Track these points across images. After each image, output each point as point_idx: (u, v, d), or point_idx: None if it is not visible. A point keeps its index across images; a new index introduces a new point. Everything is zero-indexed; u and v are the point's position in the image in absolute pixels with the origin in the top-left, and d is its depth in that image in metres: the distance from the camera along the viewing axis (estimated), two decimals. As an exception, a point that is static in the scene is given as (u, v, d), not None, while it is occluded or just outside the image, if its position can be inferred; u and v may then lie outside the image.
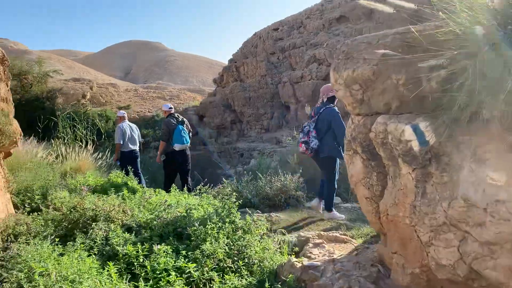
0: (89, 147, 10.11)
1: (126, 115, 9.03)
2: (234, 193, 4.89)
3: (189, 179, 8.27)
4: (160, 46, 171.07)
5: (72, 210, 4.31)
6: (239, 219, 4.19)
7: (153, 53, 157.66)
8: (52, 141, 11.40)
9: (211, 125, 47.76)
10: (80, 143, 11.64)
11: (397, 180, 2.90)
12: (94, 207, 4.22)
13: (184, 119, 8.37)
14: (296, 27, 48.21)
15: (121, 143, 8.24)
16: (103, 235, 3.75)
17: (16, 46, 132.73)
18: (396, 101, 2.88)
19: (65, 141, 11.42)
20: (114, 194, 5.13)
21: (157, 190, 6.39)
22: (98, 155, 10.82)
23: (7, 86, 5.93)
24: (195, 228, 3.71)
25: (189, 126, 8.41)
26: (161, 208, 4.45)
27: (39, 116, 13.81)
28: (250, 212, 5.67)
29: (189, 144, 8.15)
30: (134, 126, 9.32)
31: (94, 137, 12.83)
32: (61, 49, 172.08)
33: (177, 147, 7.89)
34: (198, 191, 6.50)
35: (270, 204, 7.29)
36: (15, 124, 5.34)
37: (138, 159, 9.19)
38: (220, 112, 47.21)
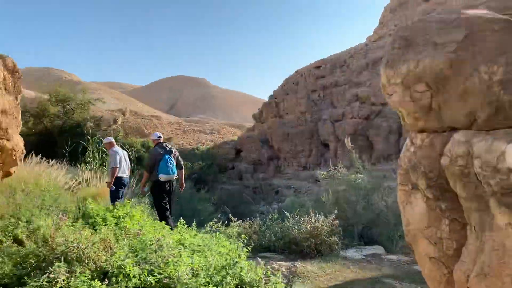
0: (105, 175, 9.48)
1: (114, 140, 8.12)
2: (252, 235, 3.83)
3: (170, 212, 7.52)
4: (205, 82, 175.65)
5: (43, 243, 3.44)
6: (249, 272, 3.13)
7: (198, 88, 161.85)
8: (78, 165, 10.89)
9: (248, 159, 47.11)
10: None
11: (487, 235, 1.81)
12: (65, 241, 3.31)
13: (173, 149, 7.67)
14: (338, 65, 47.57)
15: (117, 166, 7.37)
16: (65, 281, 2.83)
17: (69, 77, 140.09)
18: (486, 109, 1.83)
19: (92, 166, 10.89)
20: (114, 225, 4.26)
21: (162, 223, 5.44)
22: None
23: (17, 100, 5.23)
24: (185, 284, 2.72)
25: (178, 156, 7.69)
26: (150, 248, 3.49)
27: (77, 141, 13.68)
28: (268, 258, 4.56)
29: (175, 175, 7.46)
30: (125, 153, 8.50)
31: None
32: (111, 81, 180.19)
33: (162, 177, 7.13)
34: (209, 228, 5.53)
35: (297, 249, 6.04)
36: (16, 141, 4.57)
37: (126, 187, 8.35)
38: (257, 147, 46.60)
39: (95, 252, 3.24)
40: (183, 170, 7.84)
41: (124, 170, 7.82)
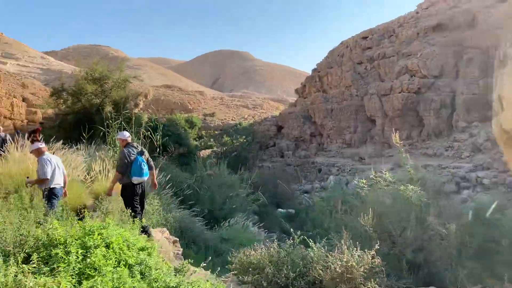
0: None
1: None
2: (266, 266, 2.73)
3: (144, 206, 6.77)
4: (248, 56, 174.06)
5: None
6: None
7: (241, 62, 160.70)
8: (96, 153, 10.14)
9: (290, 136, 45.77)
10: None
11: None
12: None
13: (144, 150, 7.02)
14: (387, 35, 44.63)
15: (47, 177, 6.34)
16: None
17: (116, 53, 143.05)
18: None
19: (111, 154, 10.12)
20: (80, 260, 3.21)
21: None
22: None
23: None
24: None
25: (148, 157, 7.11)
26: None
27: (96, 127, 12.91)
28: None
29: (147, 177, 6.85)
30: (58, 159, 7.37)
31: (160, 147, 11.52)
32: (156, 57, 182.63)
33: (135, 180, 6.52)
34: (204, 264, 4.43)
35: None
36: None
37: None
38: (299, 124, 45.08)
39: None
40: (154, 169, 7.36)
41: (58, 179, 6.73)
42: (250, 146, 44.56)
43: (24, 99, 35.08)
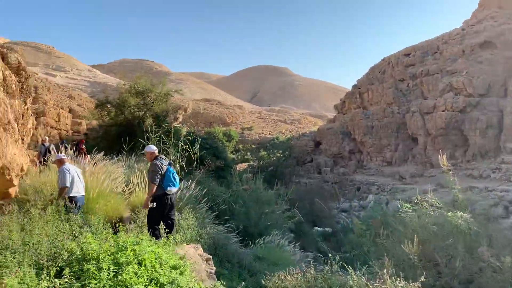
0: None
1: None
2: None
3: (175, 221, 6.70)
4: (287, 71, 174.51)
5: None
6: None
7: (280, 77, 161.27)
8: (135, 165, 10.27)
9: (328, 153, 45.18)
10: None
11: None
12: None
13: (171, 161, 7.30)
14: (431, 52, 43.50)
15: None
16: None
17: (160, 68, 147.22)
18: None
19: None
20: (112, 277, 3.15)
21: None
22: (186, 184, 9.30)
23: (25, 104, 4.37)
24: None
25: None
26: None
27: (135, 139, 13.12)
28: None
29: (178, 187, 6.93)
30: (78, 170, 7.48)
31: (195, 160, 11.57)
32: (197, 72, 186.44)
33: (170, 190, 6.58)
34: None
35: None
36: (11, 157, 3.70)
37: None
38: (338, 140, 44.44)
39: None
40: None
41: (78, 188, 6.82)
42: (287, 161, 44.24)
43: (70, 110, 36.54)
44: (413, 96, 40.77)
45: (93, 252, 3.25)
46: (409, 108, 39.02)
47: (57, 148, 13.60)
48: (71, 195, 6.51)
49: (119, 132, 22.93)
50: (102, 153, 10.91)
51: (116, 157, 12.54)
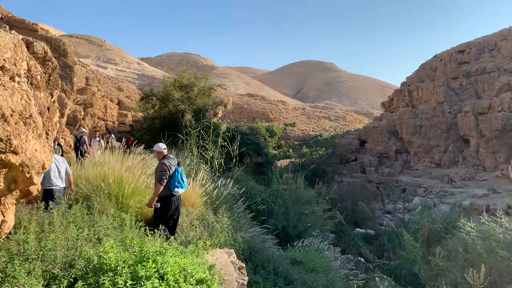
0: (202, 174, 8.33)
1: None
2: None
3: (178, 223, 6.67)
4: (333, 67, 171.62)
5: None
6: None
7: (325, 73, 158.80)
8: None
9: (373, 152, 43.72)
10: (206, 165, 10.16)
11: None
12: None
13: (180, 161, 6.97)
14: (487, 49, 41.05)
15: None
16: None
17: (205, 62, 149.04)
18: None
19: (188, 163, 9.99)
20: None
21: None
22: (215, 184, 8.99)
23: (52, 97, 4.14)
24: None
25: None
26: None
27: (174, 133, 12.95)
28: None
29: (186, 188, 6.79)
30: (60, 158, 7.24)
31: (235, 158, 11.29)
32: (242, 66, 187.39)
33: (177, 191, 6.45)
34: None
35: None
36: (31, 153, 3.47)
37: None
38: (384, 139, 42.89)
39: None
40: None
41: (53, 181, 6.69)
42: (330, 159, 43.26)
43: (119, 102, 37.48)
44: (466, 95, 38.70)
45: (110, 262, 2.95)
46: (462, 107, 37.02)
47: (103, 138, 13.72)
48: (45, 188, 6.34)
49: (162, 125, 23.12)
50: (142, 146, 10.81)
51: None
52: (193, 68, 35.35)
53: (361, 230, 22.05)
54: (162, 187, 6.30)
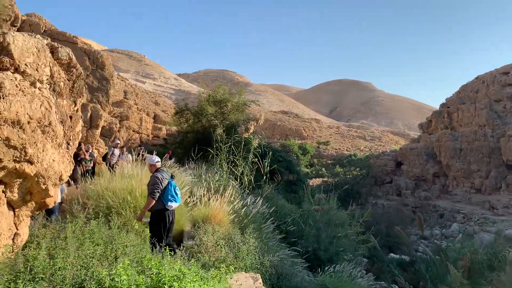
0: (230, 190, 8.04)
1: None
2: None
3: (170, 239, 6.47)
4: (369, 86, 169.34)
5: None
6: None
7: (361, 92, 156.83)
8: (202, 176, 9.85)
9: (409, 174, 42.28)
10: (236, 181, 9.89)
11: None
12: None
13: (174, 175, 6.82)
14: (534, 71, 39.29)
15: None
16: None
17: (241, 78, 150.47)
18: None
19: (217, 178, 9.75)
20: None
21: None
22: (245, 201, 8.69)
23: (75, 105, 3.98)
24: None
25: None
26: None
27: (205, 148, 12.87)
28: None
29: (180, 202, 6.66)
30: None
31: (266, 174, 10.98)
32: (277, 84, 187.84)
33: (171, 205, 6.28)
34: None
35: None
36: (48, 163, 3.29)
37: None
38: (421, 162, 41.45)
39: None
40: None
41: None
42: (364, 180, 42.13)
43: (155, 116, 38.08)
44: (510, 118, 37.00)
45: (123, 286, 2.68)
46: (505, 131, 35.35)
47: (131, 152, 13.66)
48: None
49: (195, 139, 23.17)
50: (173, 160, 10.70)
51: (190, 165, 12.37)
52: (227, 83, 35.58)
53: (395, 255, 21.08)
54: (154, 201, 6.16)
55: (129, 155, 10.89)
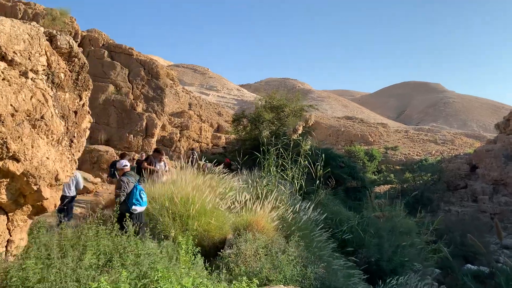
0: (274, 195, 7.47)
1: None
2: None
3: None
4: (439, 87, 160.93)
5: None
6: None
7: (430, 94, 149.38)
8: (249, 180, 9.45)
9: (486, 178, 38.95)
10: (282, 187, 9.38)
11: None
12: None
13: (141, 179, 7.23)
14: None
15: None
16: None
17: (303, 86, 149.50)
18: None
19: (264, 183, 9.28)
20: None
21: None
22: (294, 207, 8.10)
23: (80, 99, 3.68)
24: None
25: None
26: None
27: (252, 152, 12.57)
28: None
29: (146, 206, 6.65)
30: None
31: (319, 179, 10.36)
32: (340, 89, 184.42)
33: (135, 209, 6.30)
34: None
35: None
36: (38, 162, 2.97)
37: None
38: (499, 164, 38.02)
39: None
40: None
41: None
42: (436, 186, 39.48)
43: (219, 126, 38.66)
44: None
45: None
46: None
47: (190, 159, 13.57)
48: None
49: (253, 146, 22.97)
50: (221, 165, 10.43)
51: (243, 171, 12.13)
52: (289, 91, 35.08)
53: (472, 266, 19.28)
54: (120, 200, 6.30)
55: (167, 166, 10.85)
